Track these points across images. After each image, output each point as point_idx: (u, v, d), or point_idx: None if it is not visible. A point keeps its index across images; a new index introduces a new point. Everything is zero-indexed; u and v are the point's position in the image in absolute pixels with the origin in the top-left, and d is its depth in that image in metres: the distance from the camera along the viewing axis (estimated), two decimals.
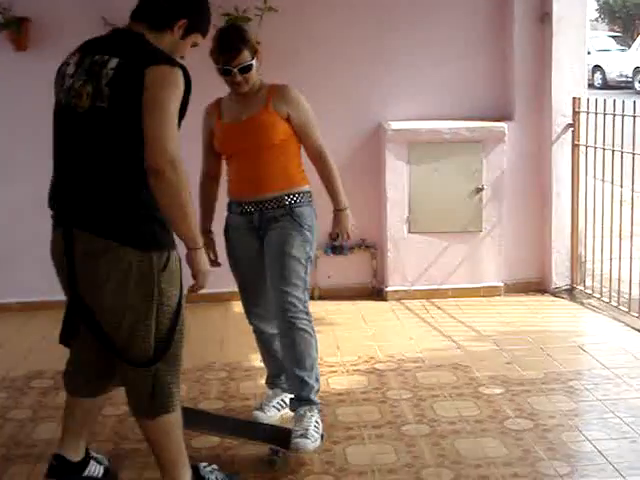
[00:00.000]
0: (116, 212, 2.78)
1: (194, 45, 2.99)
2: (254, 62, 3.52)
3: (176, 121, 2.71)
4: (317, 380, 3.58)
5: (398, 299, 5.67)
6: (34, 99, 5.50)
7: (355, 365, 4.48)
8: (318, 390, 3.59)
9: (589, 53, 6.56)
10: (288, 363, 3.57)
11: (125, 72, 2.72)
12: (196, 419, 3.47)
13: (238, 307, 5.56)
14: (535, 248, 5.82)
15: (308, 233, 3.55)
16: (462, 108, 5.72)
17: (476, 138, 5.54)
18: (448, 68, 5.69)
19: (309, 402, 3.52)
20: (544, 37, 5.58)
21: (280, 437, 3.44)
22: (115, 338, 2.86)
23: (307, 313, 3.54)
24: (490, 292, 5.71)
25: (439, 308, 5.51)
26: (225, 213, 3.74)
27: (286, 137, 3.55)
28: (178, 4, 2.90)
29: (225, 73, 3.51)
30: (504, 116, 5.72)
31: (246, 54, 3.48)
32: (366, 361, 4.54)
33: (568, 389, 4.07)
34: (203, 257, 2.86)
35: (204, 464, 3.20)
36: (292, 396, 3.61)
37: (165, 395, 2.91)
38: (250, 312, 3.80)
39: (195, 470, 3.09)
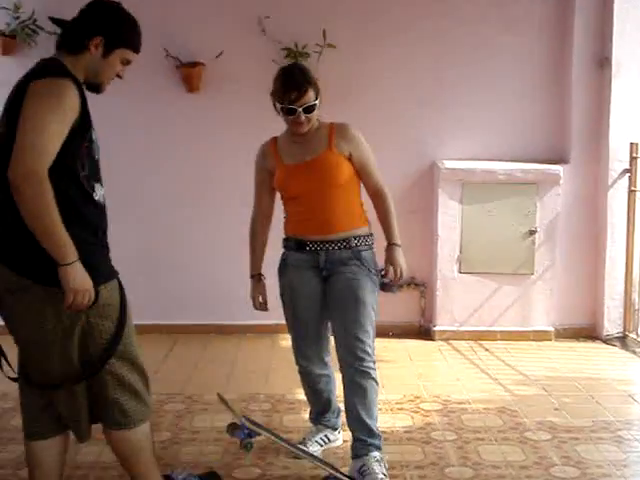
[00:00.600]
0: (31, 248, 2.64)
1: (126, 63, 2.88)
2: (317, 102, 3.49)
3: (52, 133, 2.58)
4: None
5: (446, 339, 5.62)
6: (96, 128, 5.64)
7: (400, 404, 4.44)
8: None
9: None
10: (355, 407, 3.49)
11: (15, 93, 2.70)
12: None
13: (285, 339, 5.60)
14: (588, 293, 5.73)
15: (375, 278, 3.55)
16: (517, 150, 5.69)
17: (531, 180, 5.50)
18: (505, 109, 5.68)
19: (379, 449, 3.51)
20: (603, 81, 5.55)
21: None
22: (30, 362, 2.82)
23: (374, 362, 3.53)
24: (540, 337, 5.63)
25: (487, 350, 5.45)
26: (274, 252, 3.69)
27: (350, 177, 3.53)
28: (89, 23, 2.81)
29: (289, 112, 3.45)
30: (560, 159, 5.67)
31: (311, 94, 3.45)
32: (411, 400, 4.50)
33: (617, 438, 3.98)
34: (74, 274, 2.64)
35: (178, 470, 3.23)
36: (355, 439, 3.53)
37: (118, 412, 2.88)
38: (300, 353, 3.70)
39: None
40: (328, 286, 3.53)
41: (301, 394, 4.36)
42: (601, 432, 4.06)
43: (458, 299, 5.64)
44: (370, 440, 3.48)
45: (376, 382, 3.51)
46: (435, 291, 5.66)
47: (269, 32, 5.44)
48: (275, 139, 3.66)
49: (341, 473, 3.43)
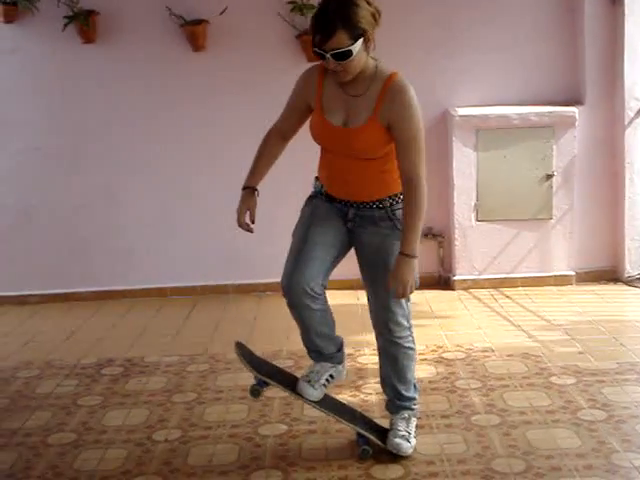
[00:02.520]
0: None
1: None
2: (355, 48, 2.93)
3: None
4: (416, 389, 3.46)
5: (466, 288, 5.59)
6: (102, 91, 5.61)
7: (423, 354, 4.42)
8: (417, 399, 3.49)
9: None
10: (387, 372, 3.40)
11: None
12: (290, 381, 3.43)
13: None
14: (607, 236, 5.67)
15: None
16: (531, 93, 5.60)
17: (546, 123, 5.41)
18: (516, 52, 5.57)
19: (411, 409, 3.44)
20: (615, 18, 5.42)
21: (379, 431, 3.42)
22: None
23: (411, 327, 3.35)
24: (561, 281, 5.59)
25: (508, 297, 5.42)
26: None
27: (390, 148, 3.10)
28: None
29: (319, 57, 2.99)
30: (575, 100, 5.58)
31: (343, 37, 2.90)
32: (434, 350, 4.49)
33: None
34: None
35: None
36: (387, 398, 3.47)
37: None
38: (290, 282, 3.18)
39: None
40: (356, 240, 3.26)
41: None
42: (626, 374, 4.04)
43: (476, 247, 5.60)
44: (399, 402, 3.42)
45: (411, 349, 3.36)
46: (453, 241, 5.62)
47: None
48: (324, 72, 3.12)
49: (364, 428, 3.41)
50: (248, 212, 3.29)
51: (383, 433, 3.40)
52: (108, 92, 5.61)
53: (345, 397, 3.85)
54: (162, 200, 5.72)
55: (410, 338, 3.36)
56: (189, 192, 5.71)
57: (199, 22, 5.42)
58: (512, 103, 5.56)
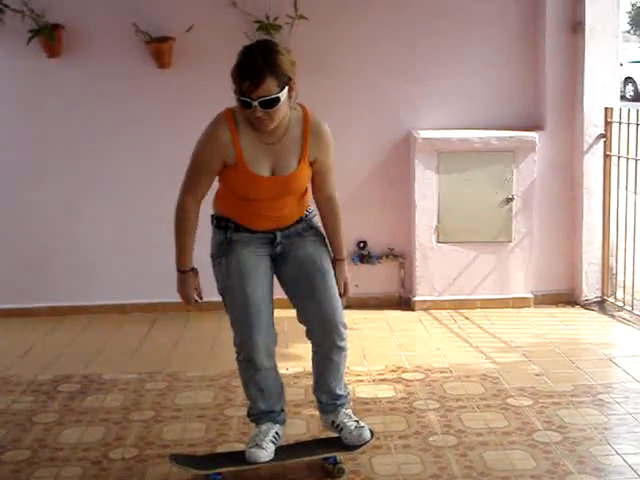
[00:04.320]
0: None
1: None
2: (282, 95, 2.94)
3: None
4: (345, 384, 3.51)
5: (426, 309, 5.63)
6: (67, 105, 5.58)
7: (382, 375, 4.45)
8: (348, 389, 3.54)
9: (621, 65, 6.48)
10: (326, 380, 3.41)
11: None
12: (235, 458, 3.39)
13: None
14: (565, 259, 5.76)
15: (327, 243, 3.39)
16: (493, 118, 5.68)
17: (507, 148, 5.49)
18: (479, 77, 5.65)
19: (347, 402, 3.47)
20: (576, 47, 5.52)
21: (336, 444, 3.42)
22: None
23: None
24: (519, 303, 5.65)
25: (467, 319, 5.46)
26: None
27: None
28: None
29: (243, 105, 2.97)
30: (535, 126, 5.67)
31: (271, 84, 2.90)
32: (393, 371, 4.51)
33: (598, 402, 4.01)
34: None
35: None
36: (320, 401, 3.48)
37: None
38: (251, 344, 3.23)
39: None
40: (285, 260, 3.29)
41: (284, 369, 4.36)
42: (582, 396, 4.09)
43: (437, 269, 5.64)
44: (338, 402, 3.44)
45: (346, 349, 3.41)
46: (414, 261, 5.66)
47: (240, 4, 5.37)
48: (234, 121, 3.07)
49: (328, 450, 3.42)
50: (196, 291, 3.30)
51: (339, 440, 3.41)
52: (72, 107, 5.58)
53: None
54: (123, 216, 5.69)
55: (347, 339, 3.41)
56: (151, 208, 5.68)
57: (165, 39, 5.42)
58: (474, 127, 5.63)
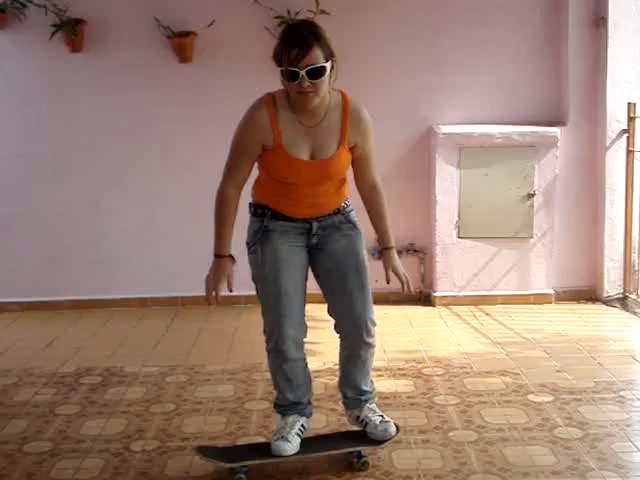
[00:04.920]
0: None
1: None
2: (327, 67, 2.97)
3: None
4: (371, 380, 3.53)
5: (446, 304, 5.62)
6: (88, 99, 5.62)
7: (402, 370, 4.44)
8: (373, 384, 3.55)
9: None
10: (352, 376, 3.42)
11: None
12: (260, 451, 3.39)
13: None
14: (587, 256, 5.72)
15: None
16: (514, 112, 5.65)
17: (528, 143, 5.47)
18: (501, 71, 5.63)
19: (373, 398, 3.48)
20: (599, 42, 5.49)
21: (361, 439, 3.42)
22: None
23: None
24: (540, 299, 5.63)
25: (487, 314, 5.45)
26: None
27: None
28: None
29: (291, 77, 2.95)
30: (557, 121, 5.64)
31: (318, 54, 2.93)
32: (413, 366, 4.50)
33: (619, 398, 3.98)
34: None
35: None
36: (345, 396, 3.48)
37: None
38: (281, 335, 3.23)
39: None
40: (320, 252, 3.29)
41: None
42: (603, 392, 4.06)
43: (458, 264, 5.63)
44: (363, 397, 3.44)
45: (375, 346, 3.41)
46: (434, 257, 5.65)
47: None
48: (273, 105, 3.09)
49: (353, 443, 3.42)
50: (228, 279, 3.22)
51: (364, 434, 3.42)
52: (94, 101, 5.61)
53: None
54: (145, 210, 5.73)
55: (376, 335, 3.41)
56: (172, 202, 5.72)
57: (187, 34, 5.44)
58: (495, 122, 5.61)
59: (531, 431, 3.65)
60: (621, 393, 4.05)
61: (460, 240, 5.59)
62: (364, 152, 3.22)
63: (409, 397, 4.07)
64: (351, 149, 3.19)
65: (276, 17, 5.38)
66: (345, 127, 3.13)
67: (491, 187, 5.51)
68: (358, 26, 5.53)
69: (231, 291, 3.25)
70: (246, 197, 3.32)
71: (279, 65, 2.98)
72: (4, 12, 5.40)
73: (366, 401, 3.45)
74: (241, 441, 3.61)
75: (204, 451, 3.37)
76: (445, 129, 5.51)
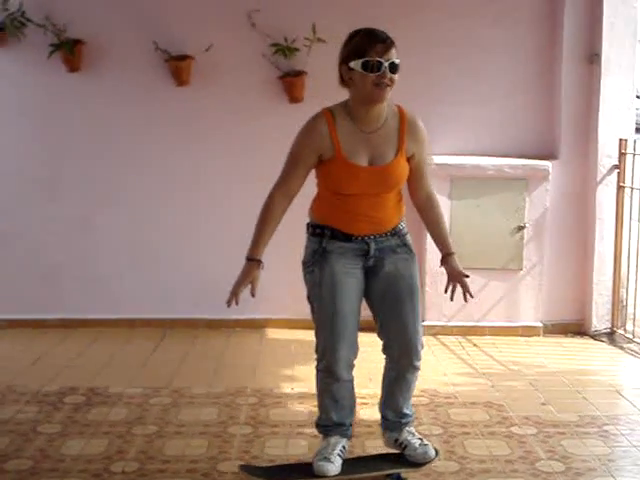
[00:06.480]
0: None
1: None
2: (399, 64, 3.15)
3: None
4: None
5: (434, 334, 5.62)
6: (84, 119, 5.65)
7: None
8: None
9: (638, 97, 6.49)
10: (396, 399, 3.47)
11: None
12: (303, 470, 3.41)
13: (273, 333, 5.61)
14: (576, 289, 5.74)
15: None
16: (507, 145, 5.69)
17: (520, 175, 5.50)
18: (494, 105, 5.67)
19: (410, 423, 3.53)
20: (592, 78, 5.54)
21: (401, 461, 3.46)
22: None
23: None
24: (528, 332, 5.63)
25: (475, 345, 5.45)
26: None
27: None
28: None
29: (375, 68, 3.08)
30: (549, 155, 5.67)
31: (395, 52, 3.15)
32: None
33: (603, 433, 3.98)
34: None
35: None
36: (386, 418, 3.54)
37: None
38: (333, 356, 3.28)
39: None
40: (375, 274, 3.31)
41: (288, 388, 4.38)
42: (587, 427, 4.06)
43: (447, 294, 5.61)
44: (403, 420, 3.49)
45: (419, 370, 3.47)
46: (424, 286, 5.65)
47: (259, 26, 5.42)
48: (332, 116, 3.19)
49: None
50: (251, 285, 3.22)
51: (403, 457, 3.45)
52: (90, 121, 5.64)
53: None
54: (137, 231, 5.73)
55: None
56: (165, 225, 5.73)
57: (184, 57, 5.48)
58: (488, 154, 5.65)
59: (513, 464, 3.65)
60: (605, 428, 4.05)
61: None
62: (421, 161, 3.31)
63: None
64: (408, 159, 3.26)
65: (272, 44, 5.42)
66: (402, 135, 3.23)
67: (482, 218, 5.54)
68: None
69: (253, 296, 3.23)
70: (302, 215, 3.37)
71: (360, 57, 3.10)
72: (4, 30, 5.44)
73: (406, 424, 3.49)
74: (222, 465, 3.60)
75: (249, 469, 3.40)
76: (437, 159, 5.53)
